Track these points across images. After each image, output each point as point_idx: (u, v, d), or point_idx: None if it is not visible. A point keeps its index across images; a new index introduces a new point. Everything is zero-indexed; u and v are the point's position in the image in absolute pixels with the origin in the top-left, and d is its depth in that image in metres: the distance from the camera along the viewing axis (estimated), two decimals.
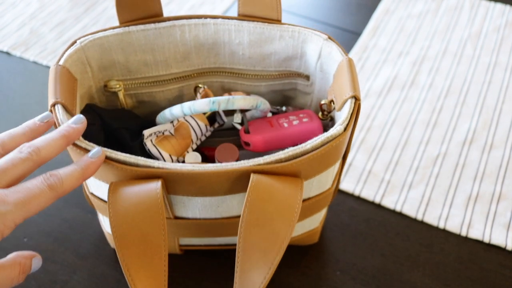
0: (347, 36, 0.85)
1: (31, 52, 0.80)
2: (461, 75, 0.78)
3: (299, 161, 0.37)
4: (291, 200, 0.36)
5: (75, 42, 0.44)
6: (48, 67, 0.78)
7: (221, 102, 0.42)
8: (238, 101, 0.43)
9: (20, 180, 0.32)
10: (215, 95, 0.54)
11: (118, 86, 0.48)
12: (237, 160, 0.46)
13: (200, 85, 0.52)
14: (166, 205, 0.41)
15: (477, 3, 0.90)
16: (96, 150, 0.36)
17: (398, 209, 0.61)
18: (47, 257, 0.56)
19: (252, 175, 0.36)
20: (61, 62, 0.41)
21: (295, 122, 0.48)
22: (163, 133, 0.47)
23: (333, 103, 0.44)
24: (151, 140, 0.46)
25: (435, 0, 0.91)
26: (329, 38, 0.45)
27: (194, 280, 0.54)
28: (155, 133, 0.46)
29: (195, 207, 0.42)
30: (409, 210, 0.61)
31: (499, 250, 0.58)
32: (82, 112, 0.45)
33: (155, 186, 0.35)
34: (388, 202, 0.62)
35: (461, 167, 0.65)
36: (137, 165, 0.36)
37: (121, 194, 0.35)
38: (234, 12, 0.89)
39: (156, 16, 0.47)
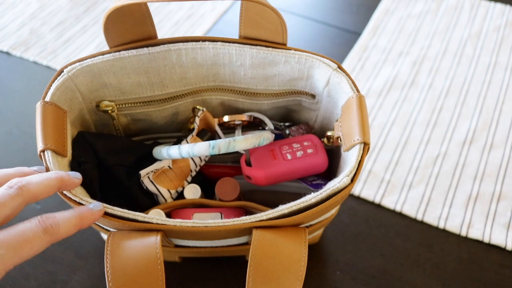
0: (347, 36, 0.85)
1: (31, 52, 0.80)
2: (461, 75, 0.78)
3: (302, 215, 0.36)
4: (296, 255, 0.35)
5: (62, 71, 0.41)
6: (48, 67, 0.78)
7: (221, 146, 0.41)
8: (239, 143, 0.42)
9: (9, 219, 0.30)
10: (214, 112, 0.52)
11: (111, 107, 0.46)
12: (238, 196, 0.45)
13: (198, 107, 0.49)
14: (165, 242, 0.40)
15: (477, 3, 0.90)
16: (97, 204, 0.34)
17: (398, 209, 0.61)
18: (47, 257, 0.56)
19: (254, 231, 0.35)
20: (48, 98, 0.39)
21: (299, 154, 0.46)
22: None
23: (340, 140, 0.41)
24: (148, 177, 0.45)
25: (435, 0, 0.91)
26: (339, 67, 0.42)
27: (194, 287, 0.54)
28: (152, 170, 0.45)
29: (196, 242, 0.42)
30: (409, 210, 0.61)
31: (499, 250, 0.58)
32: (73, 142, 0.42)
33: (154, 241, 0.34)
34: (388, 202, 0.62)
35: (461, 167, 0.65)
36: (135, 221, 0.35)
37: (120, 248, 0.34)
38: (234, 12, 0.89)
39: (149, 38, 0.43)
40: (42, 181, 0.31)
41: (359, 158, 0.37)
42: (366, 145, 0.37)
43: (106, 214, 0.35)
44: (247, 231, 0.37)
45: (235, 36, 0.84)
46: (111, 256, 0.34)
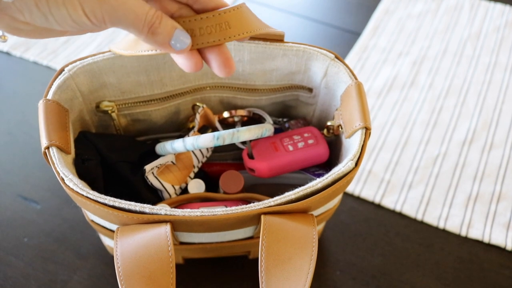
0: (347, 36, 0.85)
1: (31, 52, 0.80)
2: (461, 75, 0.78)
3: (309, 200, 0.36)
4: (306, 236, 0.35)
5: (62, 70, 0.41)
6: (48, 67, 0.78)
7: (225, 137, 0.41)
8: (243, 133, 0.42)
9: None
10: (214, 109, 0.53)
11: (110, 107, 0.46)
12: (242, 189, 0.46)
13: (198, 104, 0.49)
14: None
15: (477, 3, 0.90)
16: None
17: (398, 209, 0.61)
18: (47, 257, 0.56)
19: (263, 217, 0.35)
20: (50, 96, 0.39)
21: (300, 145, 0.46)
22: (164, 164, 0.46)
23: (341, 128, 0.42)
24: (152, 173, 0.45)
25: (435, 0, 0.91)
26: (336, 57, 0.43)
27: None
28: (156, 166, 0.45)
29: (201, 237, 0.41)
30: (409, 210, 0.61)
31: (499, 250, 0.58)
32: (75, 142, 0.42)
33: (164, 230, 0.35)
34: (388, 202, 0.62)
35: (461, 167, 0.65)
36: (143, 213, 0.35)
37: (129, 238, 0.35)
38: None
39: None
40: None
41: (362, 143, 0.38)
42: (367, 130, 0.38)
43: (113, 207, 0.35)
44: (255, 219, 0.37)
45: None
46: (120, 248, 0.34)
